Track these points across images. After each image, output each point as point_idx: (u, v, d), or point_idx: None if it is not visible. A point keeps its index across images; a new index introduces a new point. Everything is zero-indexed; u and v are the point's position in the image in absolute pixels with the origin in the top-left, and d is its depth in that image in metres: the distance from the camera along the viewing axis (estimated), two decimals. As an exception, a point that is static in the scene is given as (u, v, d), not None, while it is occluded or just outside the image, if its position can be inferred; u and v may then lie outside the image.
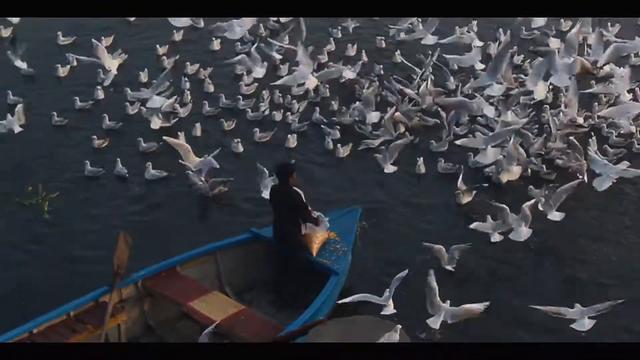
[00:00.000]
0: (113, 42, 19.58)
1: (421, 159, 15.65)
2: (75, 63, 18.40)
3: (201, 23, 20.17)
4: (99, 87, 17.93)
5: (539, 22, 16.40)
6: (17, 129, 16.00)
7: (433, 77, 17.34)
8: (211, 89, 17.96)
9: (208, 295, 11.81)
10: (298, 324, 11.11)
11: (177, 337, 11.88)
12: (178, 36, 20.10)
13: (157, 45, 19.10)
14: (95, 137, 16.34)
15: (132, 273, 11.83)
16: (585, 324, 11.57)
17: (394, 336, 10.56)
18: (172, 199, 15.14)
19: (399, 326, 10.61)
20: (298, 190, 12.29)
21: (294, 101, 17.32)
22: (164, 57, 18.82)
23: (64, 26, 19.91)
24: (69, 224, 14.39)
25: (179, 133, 15.88)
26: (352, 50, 19.43)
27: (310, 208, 12.34)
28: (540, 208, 13.88)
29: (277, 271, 12.38)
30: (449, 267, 13.09)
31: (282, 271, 12.27)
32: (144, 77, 18.24)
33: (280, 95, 17.50)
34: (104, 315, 11.15)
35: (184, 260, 12.40)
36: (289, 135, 16.36)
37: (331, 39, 19.63)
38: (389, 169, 15.08)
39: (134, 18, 20.83)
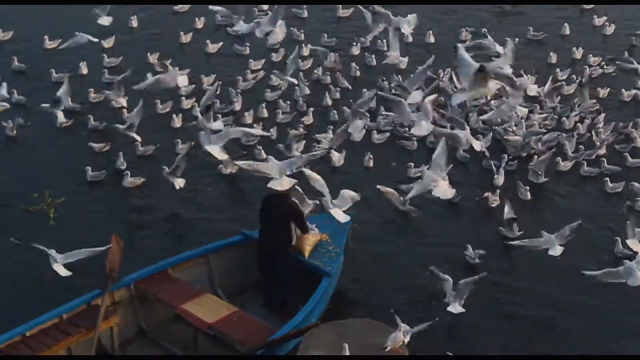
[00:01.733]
0: (114, 45, 19.67)
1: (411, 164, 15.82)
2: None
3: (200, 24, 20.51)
4: (91, 89, 18.02)
5: None
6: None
7: None
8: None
9: (201, 297, 11.87)
10: (291, 326, 11.23)
11: (169, 340, 11.99)
12: (186, 38, 20.21)
13: (148, 53, 19.21)
14: (95, 140, 16.42)
15: (125, 276, 11.92)
16: (557, 250, 12.74)
17: (398, 336, 10.77)
18: (164, 202, 15.22)
19: (404, 325, 10.82)
20: (295, 200, 12.41)
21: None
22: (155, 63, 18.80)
23: (62, 28, 20.06)
24: (64, 228, 14.43)
25: None
26: (356, 50, 19.64)
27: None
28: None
29: (268, 273, 12.44)
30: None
31: (273, 273, 12.35)
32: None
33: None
34: (97, 318, 11.23)
35: (176, 262, 12.46)
36: (293, 142, 16.32)
37: (327, 36, 19.88)
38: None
39: (136, 24, 20.86)
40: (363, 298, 12.74)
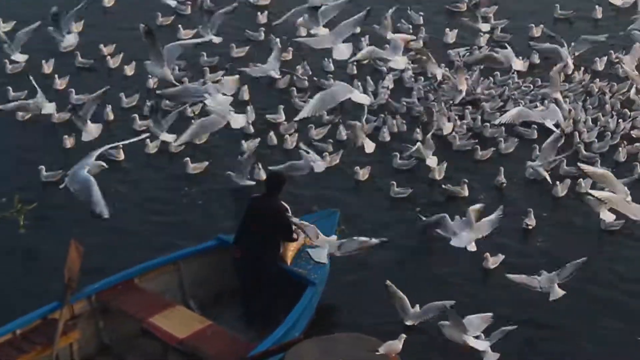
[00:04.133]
0: (83, 29, 19.27)
1: (397, 154, 15.65)
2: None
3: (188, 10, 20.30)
4: (61, 79, 17.65)
5: None
6: None
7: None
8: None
9: (170, 309, 11.66)
10: (271, 341, 10.95)
11: (135, 357, 11.71)
12: (165, 20, 19.87)
13: (102, 45, 18.78)
14: (66, 136, 16.05)
15: (85, 286, 11.64)
16: (556, 293, 12.37)
17: (397, 345, 10.75)
18: (130, 204, 14.95)
19: (404, 335, 10.88)
20: (285, 205, 12.18)
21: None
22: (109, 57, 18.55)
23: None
24: (32, 235, 14.22)
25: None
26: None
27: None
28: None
29: (249, 282, 12.18)
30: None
31: (255, 282, 12.09)
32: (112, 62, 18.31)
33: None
34: (54, 334, 10.88)
35: (143, 270, 12.22)
36: (287, 136, 16.16)
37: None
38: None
39: (109, 3, 20.52)
40: (352, 309, 12.50)
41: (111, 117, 16.66)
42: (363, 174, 15.26)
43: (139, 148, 15.73)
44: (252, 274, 12.06)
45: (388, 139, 16.15)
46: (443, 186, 14.86)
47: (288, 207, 12.14)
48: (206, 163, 15.41)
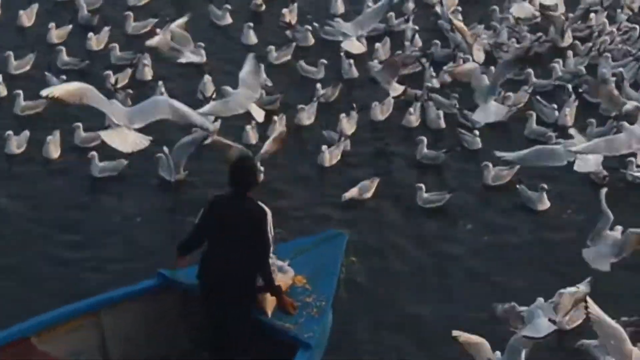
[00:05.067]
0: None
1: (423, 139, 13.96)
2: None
3: None
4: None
5: None
6: None
7: None
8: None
9: None
10: None
11: None
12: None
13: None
14: None
15: None
16: None
17: None
18: (28, 224, 12.77)
19: None
20: (265, 208, 9.41)
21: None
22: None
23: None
24: None
25: None
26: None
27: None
28: None
29: (205, 340, 9.93)
30: None
31: (214, 339, 9.72)
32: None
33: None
34: None
35: (46, 325, 9.95)
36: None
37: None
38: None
39: None
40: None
41: (4, 92, 14.57)
42: (352, 193, 12.92)
43: (38, 146, 13.83)
44: (213, 321, 9.67)
45: (416, 124, 14.44)
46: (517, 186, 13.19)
47: (268, 211, 9.36)
48: (124, 162, 13.11)
